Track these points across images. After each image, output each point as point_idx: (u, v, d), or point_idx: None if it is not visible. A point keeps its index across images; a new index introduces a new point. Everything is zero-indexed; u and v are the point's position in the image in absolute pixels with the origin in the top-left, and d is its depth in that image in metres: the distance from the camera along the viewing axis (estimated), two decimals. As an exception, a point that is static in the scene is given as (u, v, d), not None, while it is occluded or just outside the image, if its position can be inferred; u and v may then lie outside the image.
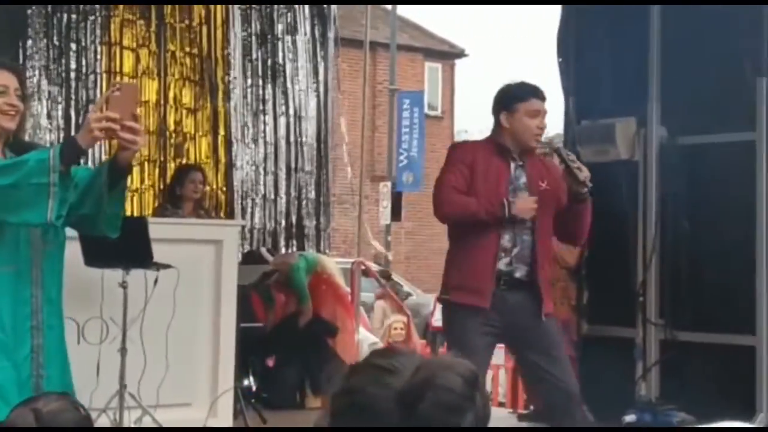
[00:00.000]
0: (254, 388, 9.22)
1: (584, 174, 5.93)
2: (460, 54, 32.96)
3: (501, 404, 11.70)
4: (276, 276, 9.35)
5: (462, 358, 2.04)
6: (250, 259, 9.52)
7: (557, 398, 5.95)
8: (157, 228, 7.12)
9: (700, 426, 4.06)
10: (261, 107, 10.26)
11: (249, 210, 10.30)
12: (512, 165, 6.00)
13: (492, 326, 5.83)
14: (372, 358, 2.04)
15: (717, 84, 8.11)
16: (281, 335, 9.37)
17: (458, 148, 6.28)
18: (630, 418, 7.65)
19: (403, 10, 29.17)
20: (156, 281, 6.88)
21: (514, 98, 6.07)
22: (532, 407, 9.18)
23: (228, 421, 7.64)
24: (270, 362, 9.55)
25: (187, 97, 10.00)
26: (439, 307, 16.64)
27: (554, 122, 8.18)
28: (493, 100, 6.19)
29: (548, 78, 11.19)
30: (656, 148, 8.48)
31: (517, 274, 5.90)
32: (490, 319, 5.81)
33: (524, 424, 8.76)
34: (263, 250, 9.98)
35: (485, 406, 1.99)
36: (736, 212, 8.01)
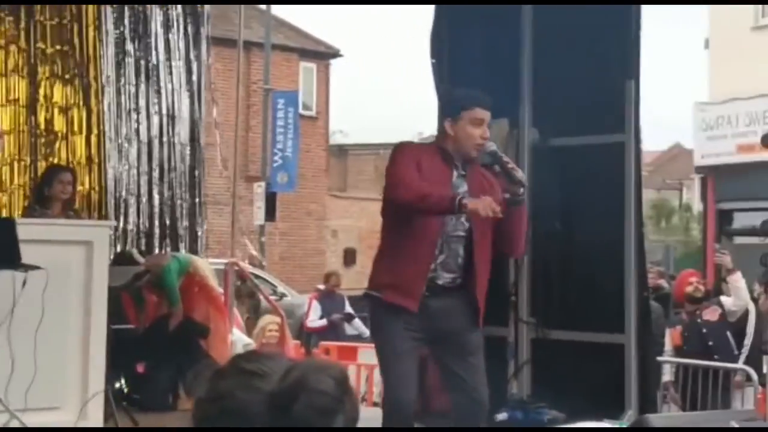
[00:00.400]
0: (125, 391, 9.10)
1: (519, 174, 5.93)
2: (335, 54, 32.98)
3: (375, 404, 11.73)
4: (147, 277, 9.25)
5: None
6: (121, 260, 9.40)
7: (467, 406, 6.00)
8: (26, 229, 7.00)
9: (700, 427, 4.13)
10: (134, 106, 10.14)
11: (123, 210, 10.17)
12: (455, 173, 5.99)
13: (416, 330, 5.85)
14: (239, 362, 2.02)
15: (587, 86, 8.23)
16: (152, 337, 9.28)
17: (405, 149, 6.14)
18: (502, 416, 7.71)
19: (277, 9, 29.11)
20: (24, 283, 6.75)
21: (458, 106, 6.07)
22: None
23: (98, 425, 7.53)
24: (140, 365, 9.45)
25: (58, 96, 9.83)
26: (314, 306, 16.69)
27: (429, 123, 8.22)
28: (438, 105, 6.15)
29: (422, 78, 11.27)
30: (528, 149, 8.57)
31: (440, 281, 5.91)
32: (414, 324, 5.83)
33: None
34: (134, 251, 9.87)
35: (354, 408, 2.00)
36: (606, 213, 8.14)
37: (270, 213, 24.99)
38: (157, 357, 9.30)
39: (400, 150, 6.09)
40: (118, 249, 9.89)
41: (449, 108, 6.14)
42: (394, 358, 5.93)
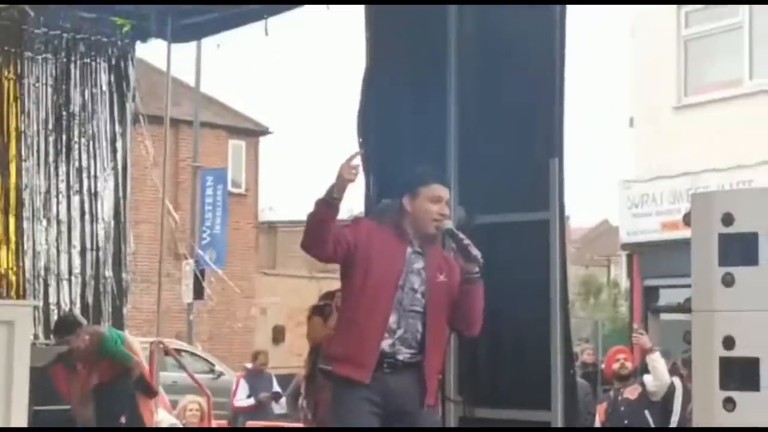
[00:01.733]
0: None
1: (475, 252, 5.95)
2: (264, 131, 33.06)
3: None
4: (86, 347, 9.26)
5: None
6: (62, 325, 9.43)
7: None
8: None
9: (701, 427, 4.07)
10: (55, 185, 10.03)
11: (42, 290, 10.03)
12: (409, 249, 5.98)
13: (376, 406, 5.78)
14: None
15: (513, 164, 8.28)
16: (117, 391, 9.31)
17: (360, 226, 6.16)
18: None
19: (206, 87, 29.14)
20: (-58, 364, 6.61)
21: (416, 182, 6.12)
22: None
23: None
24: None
25: (-27, 175, 9.72)
26: (241, 385, 16.54)
27: (358, 200, 8.24)
28: (399, 180, 6.21)
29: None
30: (455, 227, 8.59)
31: (400, 357, 5.85)
32: (373, 399, 5.77)
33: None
34: (76, 312, 9.88)
35: None
36: (532, 290, 8.15)
37: (198, 291, 24.82)
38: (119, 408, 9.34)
39: (356, 222, 6.15)
40: (56, 317, 9.92)
41: (407, 184, 6.17)
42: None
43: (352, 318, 5.89)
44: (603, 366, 12.20)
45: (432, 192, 6.04)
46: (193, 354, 23.36)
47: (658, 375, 10.16)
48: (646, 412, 10.16)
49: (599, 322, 27.66)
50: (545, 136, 8.09)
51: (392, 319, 5.84)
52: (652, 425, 10.13)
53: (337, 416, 5.94)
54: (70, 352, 9.29)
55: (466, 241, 5.99)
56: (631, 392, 10.13)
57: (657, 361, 10.19)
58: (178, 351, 17.90)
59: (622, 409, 10.10)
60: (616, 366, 10.40)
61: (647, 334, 10.58)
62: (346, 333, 5.88)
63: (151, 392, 9.64)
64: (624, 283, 30.07)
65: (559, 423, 7.85)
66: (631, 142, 23.19)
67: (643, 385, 10.24)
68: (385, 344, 5.81)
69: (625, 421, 10.04)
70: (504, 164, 8.32)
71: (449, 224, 6.07)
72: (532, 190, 8.19)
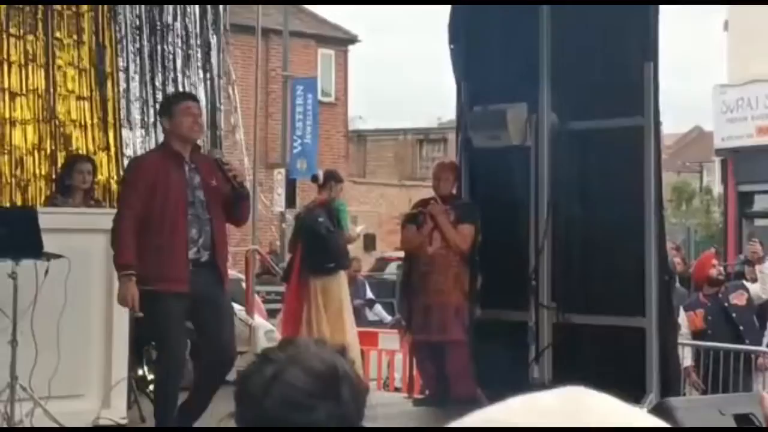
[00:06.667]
0: (149, 378, 9.13)
1: (240, 178, 6.85)
2: (353, 40, 32.95)
3: (397, 389, 11.76)
4: None
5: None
6: None
7: (213, 350, 6.74)
8: (47, 218, 7.03)
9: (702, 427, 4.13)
10: (151, 94, 10.13)
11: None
12: (186, 168, 6.77)
13: (185, 304, 6.62)
14: (274, 347, 2.01)
15: (606, 69, 8.22)
16: None
17: (136, 169, 7.01)
18: (523, 400, 7.71)
19: (296, -4, 29.06)
20: (47, 271, 6.79)
21: (170, 103, 7.23)
22: (427, 392, 9.25)
23: (122, 412, 7.57)
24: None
25: (75, 85, 9.83)
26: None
27: (448, 109, 8.23)
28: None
29: (441, 64, 11.27)
30: (547, 133, 8.57)
31: (203, 259, 6.76)
32: (184, 300, 6.60)
33: (419, 409, 8.80)
34: None
35: (345, 403, 1.91)
36: (626, 196, 8.13)
37: (290, 200, 25.00)
38: None
39: (129, 176, 7.11)
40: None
41: (163, 108, 7.26)
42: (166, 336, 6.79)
43: (156, 239, 6.62)
44: (692, 270, 12.08)
45: (183, 106, 6.85)
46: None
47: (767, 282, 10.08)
48: (754, 317, 10.12)
49: (691, 228, 27.42)
50: (639, 41, 8.01)
51: (193, 231, 6.71)
52: (759, 329, 10.09)
53: (154, 323, 6.75)
54: None
55: (231, 171, 6.78)
56: (738, 298, 10.03)
57: (767, 269, 10.10)
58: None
59: (734, 315, 10.00)
60: (713, 272, 10.28)
61: (759, 242, 10.42)
62: (155, 253, 6.59)
63: None
64: (717, 189, 29.75)
65: (654, 329, 7.86)
66: (726, 45, 22.81)
67: (746, 290, 10.14)
68: (191, 252, 6.70)
69: (741, 327, 9.96)
70: (597, 70, 8.26)
71: (218, 153, 6.97)
72: (626, 96, 8.14)
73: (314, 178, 10.59)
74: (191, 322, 6.88)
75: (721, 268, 10.56)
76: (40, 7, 9.61)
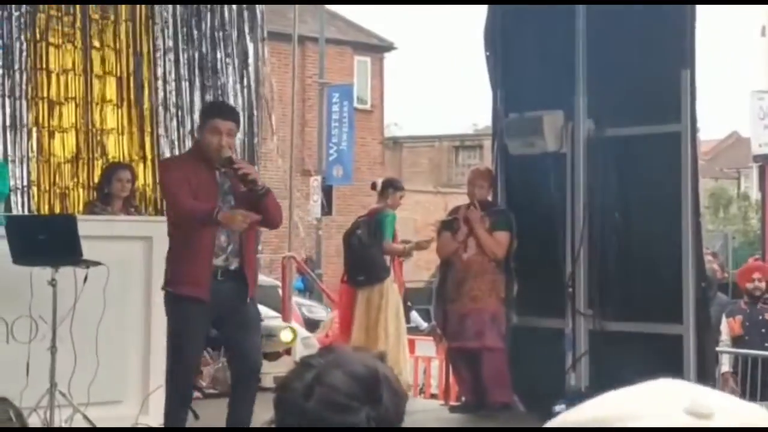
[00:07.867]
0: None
1: (252, 176, 6.60)
2: (389, 47, 32.99)
3: (433, 396, 11.76)
4: None
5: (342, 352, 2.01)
6: None
7: (241, 368, 6.75)
8: (86, 225, 7.08)
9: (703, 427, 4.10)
10: (188, 102, 10.18)
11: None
12: (217, 173, 6.67)
13: (206, 311, 6.57)
14: (315, 354, 2.04)
15: (643, 76, 8.20)
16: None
17: (171, 168, 7.00)
18: (560, 407, 7.71)
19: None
20: (86, 279, 6.84)
21: (203, 115, 7.15)
22: (463, 398, 9.25)
23: (159, 418, 7.61)
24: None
25: (112, 93, 9.91)
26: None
27: (484, 115, 8.24)
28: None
29: (476, 71, 11.29)
30: (584, 140, 8.56)
31: (232, 267, 6.68)
32: (206, 308, 6.54)
33: (455, 416, 8.81)
34: None
35: (386, 407, 1.93)
36: (663, 203, 8.11)
37: (326, 207, 25.06)
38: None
39: (165, 175, 7.01)
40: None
41: (200, 116, 7.20)
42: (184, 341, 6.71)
43: (185, 243, 6.59)
44: (736, 278, 12.00)
45: (212, 125, 6.64)
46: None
47: None
48: None
49: (729, 234, 27.29)
50: (676, 47, 7.99)
51: (222, 238, 6.62)
52: None
53: (174, 326, 6.66)
54: None
55: (242, 170, 6.57)
56: None
57: None
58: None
59: (763, 330, 9.97)
60: (750, 286, 10.23)
61: None
62: (181, 257, 6.59)
63: None
64: (755, 195, 29.58)
65: (691, 336, 7.84)
66: (763, 51, 22.70)
67: None
68: (220, 260, 6.62)
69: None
70: (633, 76, 8.25)
71: (227, 153, 6.60)
72: (663, 102, 8.12)
73: (373, 186, 10.71)
74: (218, 331, 6.96)
75: (760, 284, 10.39)
76: (78, 16, 9.69)
